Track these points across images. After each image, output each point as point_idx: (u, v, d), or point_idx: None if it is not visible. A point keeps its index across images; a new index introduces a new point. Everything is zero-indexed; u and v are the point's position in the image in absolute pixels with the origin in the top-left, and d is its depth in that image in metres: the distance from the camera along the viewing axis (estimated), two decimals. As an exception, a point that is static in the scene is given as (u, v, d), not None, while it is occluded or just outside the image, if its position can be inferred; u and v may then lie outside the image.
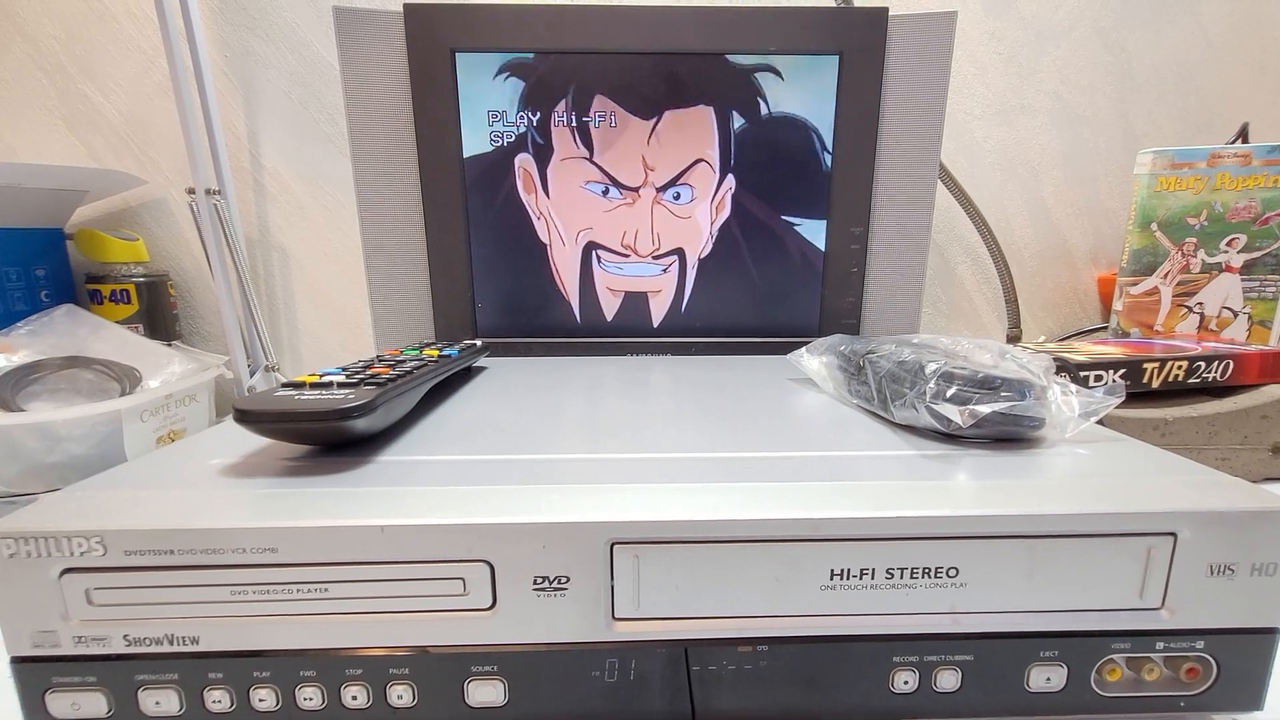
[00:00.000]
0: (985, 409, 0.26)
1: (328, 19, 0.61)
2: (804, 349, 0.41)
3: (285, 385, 0.27)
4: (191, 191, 0.59)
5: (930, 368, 0.28)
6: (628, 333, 0.55)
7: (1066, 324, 0.75)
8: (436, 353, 0.38)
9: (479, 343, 0.45)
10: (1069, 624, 0.22)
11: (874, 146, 0.51)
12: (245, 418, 0.24)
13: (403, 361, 0.33)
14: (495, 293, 0.54)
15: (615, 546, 0.21)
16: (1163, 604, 0.22)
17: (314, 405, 0.24)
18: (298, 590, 0.21)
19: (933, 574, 0.21)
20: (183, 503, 0.22)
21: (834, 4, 0.53)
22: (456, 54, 0.49)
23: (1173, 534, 0.21)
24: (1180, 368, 0.47)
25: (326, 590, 0.21)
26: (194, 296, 0.67)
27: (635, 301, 0.54)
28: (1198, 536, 0.21)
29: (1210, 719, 0.24)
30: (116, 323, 0.59)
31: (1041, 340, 0.70)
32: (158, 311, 0.62)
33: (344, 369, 0.31)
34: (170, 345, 0.58)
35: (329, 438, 0.25)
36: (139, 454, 0.49)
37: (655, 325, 0.55)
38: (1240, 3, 0.67)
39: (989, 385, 0.27)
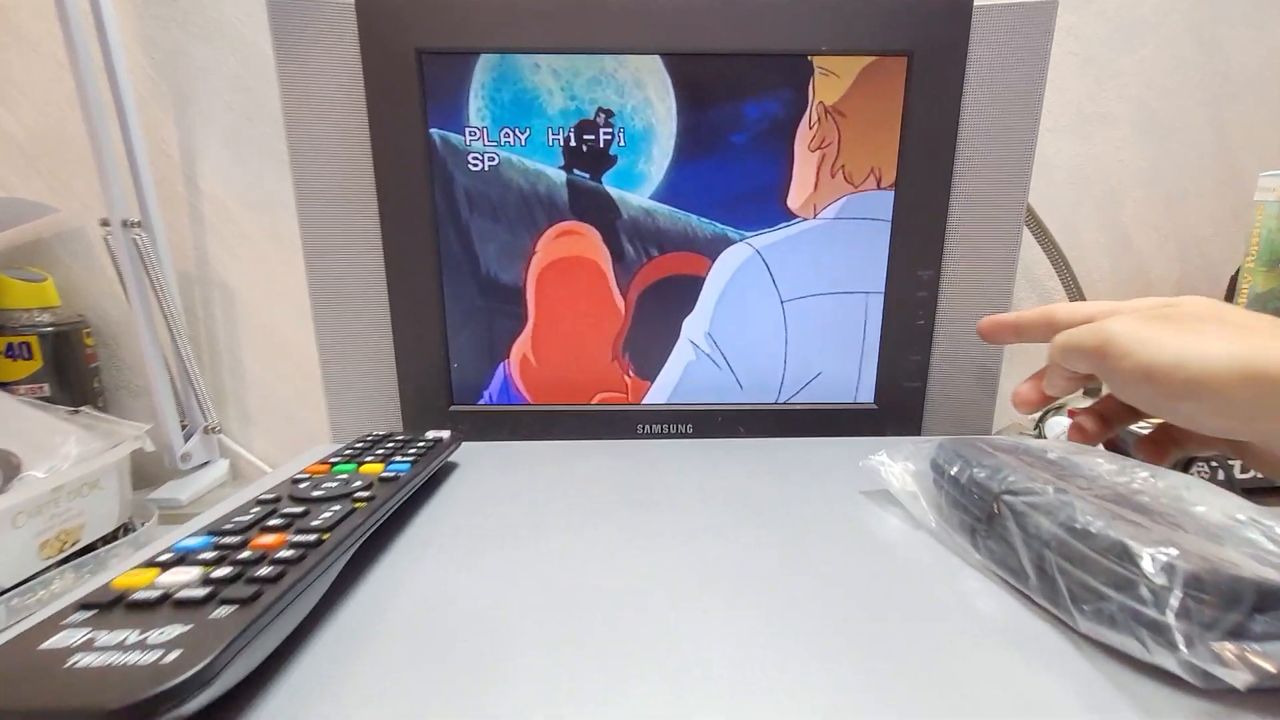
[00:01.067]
0: (1271, 665, 0.15)
1: (274, 13, 0.51)
2: (883, 453, 0.30)
3: (80, 606, 0.16)
4: (106, 223, 0.48)
5: (1154, 559, 0.17)
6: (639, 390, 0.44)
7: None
8: (380, 469, 0.27)
9: (446, 435, 0.34)
10: None
11: (950, 169, 0.41)
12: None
13: (320, 504, 0.23)
14: (474, 349, 0.43)
15: None
16: None
17: (91, 690, 0.13)
18: None
19: None
20: None
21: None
22: (424, 55, 0.39)
23: None
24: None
25: None
26: (119, 345, 0.56)
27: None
28: None
29: None
30: (16, 383, 0.49)
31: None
32: (68, 367, 0.51)
33: (214, 537, 0.20)
34: (76, 412, 0.47)
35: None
36: (17, 567, 0.38)
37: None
38: (1363, -7, 0.56)
39: (1270, 604, 0.16)
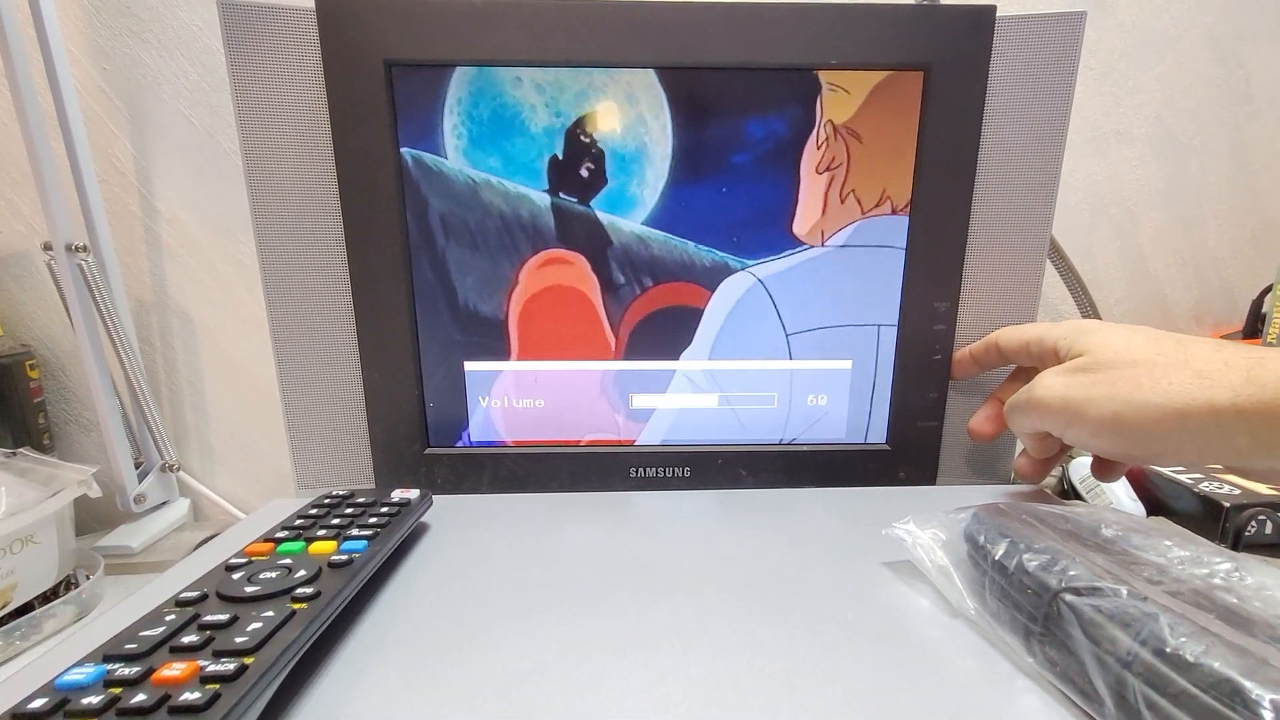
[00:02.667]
0: None
1: (237, 21, 0.47)
2: (911, 522, 0.26)
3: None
4: (48, 248, 0.44)
5: (1275, 705, 0.14)
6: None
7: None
8: (332, 549, 0.23)
9: (414, 496, 0.30)
10: None
11: (969, 194, 0.37)
12: None
13: (251, 606, 0.19)
14: (452, 387, 0.39)
15: None
16: None
17: None
18: None
19: None
20: None
21: (915, 1, 0.39)
22: (393, 68, 0.35)
23: None
24: None
25: None
26: (68, 377, 0.52)
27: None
28: None
29: None
30: (-51, 421, 0.44)
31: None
32: (9, 402, 0.47)
33: (108, 667, 0.16)
34: (14, 455, 0.43)
35: None
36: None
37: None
38: (1390, 6, 0.54)
39: None
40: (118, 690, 0.15)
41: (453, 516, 0.34)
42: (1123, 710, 0.17)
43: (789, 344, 0.40)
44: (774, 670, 0.20)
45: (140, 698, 0.15)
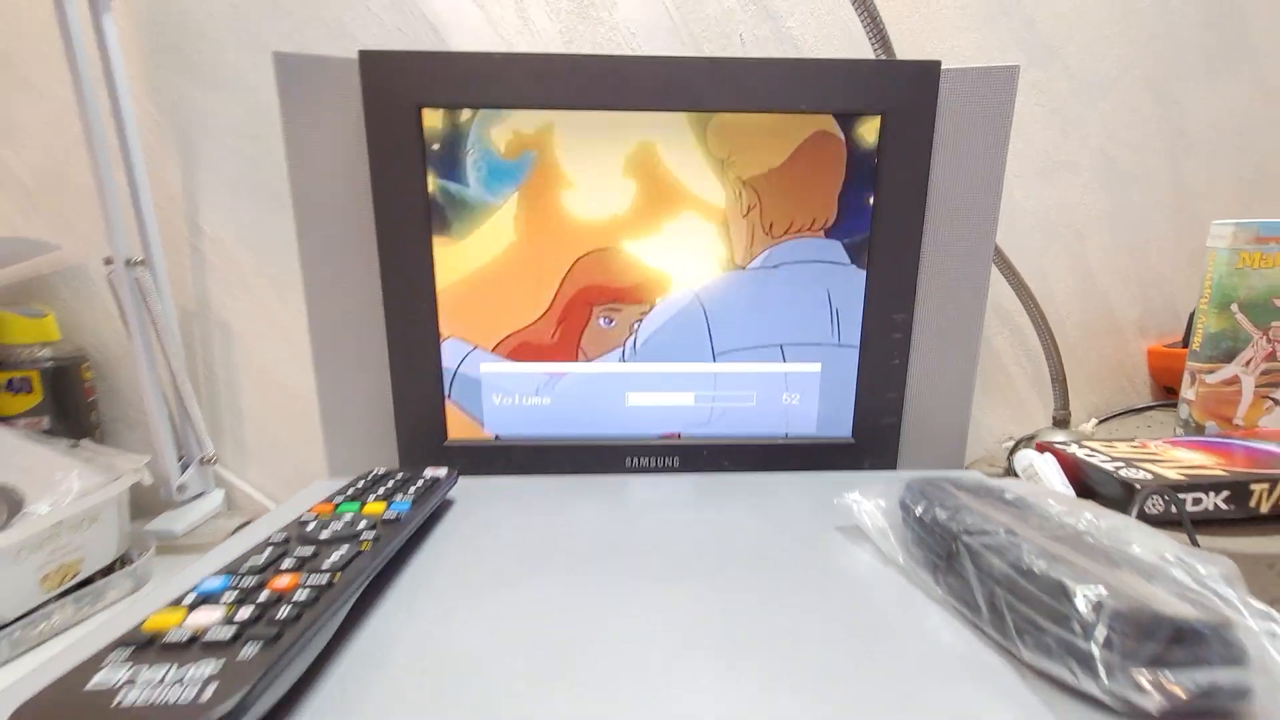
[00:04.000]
0: (1181, 691, 0.17)
1: (279, 62, 0.53)
2: (857, 493, 0.32)
3: (118, 645, 0.17)
4: (109, 261, 0.50)
5: (1085, 597, 0.19)
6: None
7: (1112, 400, 0.67)
8: (382, 508, 0.29)
9: (443, 473, 0.35)
10: None
11: (921, 220, 0.43)
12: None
13: (328, 546, 0.24)
14: (469, 386, 0.45)
15: None
16: None
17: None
18: None
19: None
20: None
21: (874, 56, 0.45)
22: (423, 110, 0.41)
23: None
24: (1298, 491, 0.39)
25: None
26: (118, 378, 0.57)
27: (636, 399, 0.46)
28: None
29: None
30: (16, 417, 0.50)
31: (1093, 423, 0.62)
32: (68, 401, 0.52)
33: (233, 578, 0.21)
34: (76, 445, 0.48)
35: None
36: (19, 600, 0.39)
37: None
38: (1305, 53, 0.60)
39: (1184, 638, 0.18)
40: (244, 593, 0.20)
41: (474, 494, 0.39)
42: (994, 614, 0.22)
43: (783, 352, 0.45)
44: (737, 602, 0.26)
45: (263, 596, 0.20)
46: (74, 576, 0.42)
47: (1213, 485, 0.39)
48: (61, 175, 0.54)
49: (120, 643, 0.17)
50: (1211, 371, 0.51)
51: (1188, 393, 0.53)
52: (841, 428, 0.46)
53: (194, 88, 0.53)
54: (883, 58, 0.46)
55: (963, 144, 0.43)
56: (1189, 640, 0.18)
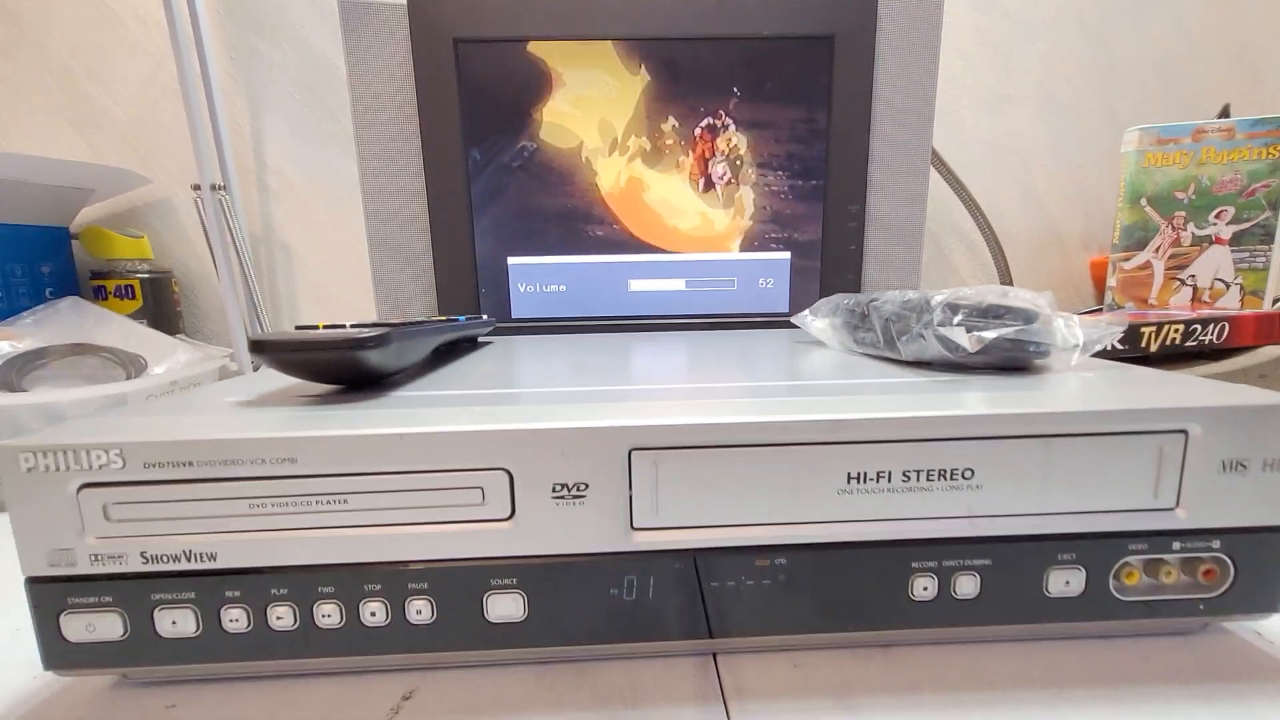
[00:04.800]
0: (992, 334, 0.27)
1: (331, 20, 0.63)
2: (807, 311, 0.41)
3: (299, 327, 0.27)
4: (197, 187, 0.60)
5: (936, 299, 0.28)
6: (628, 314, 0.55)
7: (1061, 308, 0.76)
8: (444, 319, 0.38)
9: (484, 316, 0.45)
10: (1086, 525, 0.22)
11: (868, 126, 0.52)
12: (260, 348, 0.24)
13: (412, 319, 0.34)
14: (497, 276, 0.54)
15: (634, 453, 0.21)
16: (1177, 503, 0.22)
17: (328, 337, 0.24)
18: (316, 503, 0.21)
19: (948, 476, 0.22)
20: (201, 423, 0.22)
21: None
22: (459, 44, 0.51)
23: (1184, 431, 0.21)
24: (1177, 331, 0.48)
25: (345, 502, 0.21)
26: (197, 296, 0.67)
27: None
28: (1208, 433, 0.21)
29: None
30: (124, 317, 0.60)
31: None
32: (162, 308, 0.62)
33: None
34: (176, 337, 0.58)
35: (343, 369, 0.26)
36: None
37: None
38: (1215, -7, 0.69)
39: (995, 314, 0.27)
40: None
41: (506, 339, 0.48)
42: (886, 338, 0.31)
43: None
44: (716, 363, 0.35)
45: (380, 321, 0.30)
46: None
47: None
48: (152, 120, 0.64)
49: (297, 327, 0.27)
50: (1127, 259, 0.60)
51: (1111, 281, 0.61)
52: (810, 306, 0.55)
53: (260, 42, 0.63)
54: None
55: (900, 60, 0.52)
56: (999, 314, 0.27)
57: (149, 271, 0.61)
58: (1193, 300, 0.58)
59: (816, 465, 0.21)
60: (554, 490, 0.21)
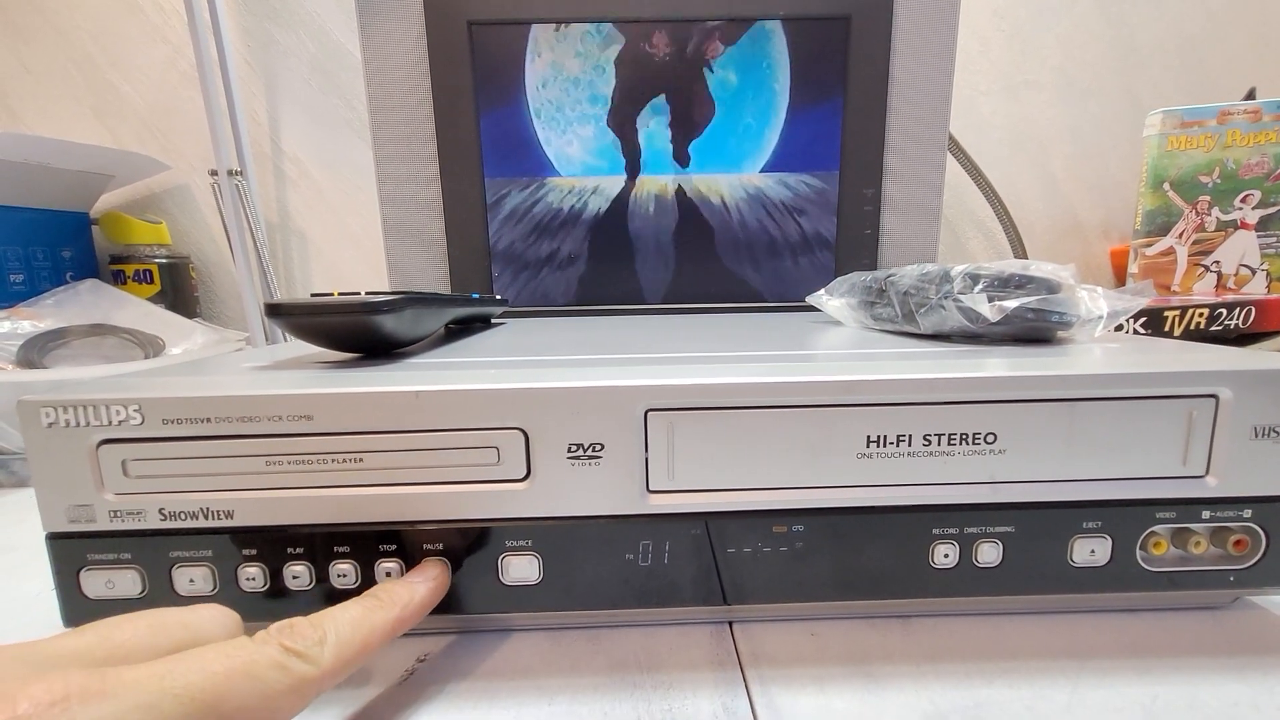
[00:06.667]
0: (1014, 303, 0.26)
1: (346, 6, 0.63)
2: (823, 290, 0.41)
3: (314, 294, 0.27)
4: (215, 173, 0.60)
5: (957, 269, 0.28)
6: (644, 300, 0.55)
7: (1081, 300, 0.75)
8: (464, 295, 0.38)
9: (497, 295, 0.45)
10: (1112, 493, 0.22)
11: (884, 107, 0.52)
12: (276, 310, 0.24)
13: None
14: (511, 263, 0.54)
15: (650, 414, 0.21)
16: (1207, 471, 0.22)
17: (344, 301, 0.24)
18: (332, 461, 0.21)
19: (970, 440, 0.21)
20: (219, 382, 0.22)
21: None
22: (473, 26, 0.51)
23: (1214, 395, 0.21)
24: (1202, 315, 0.47)
25: (361, 461, 0.21)
26: (214, 281, 0.68)
27: (651, 267, 0.55)
28: (1239, 398, 0.21)
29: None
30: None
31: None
32: (180, 292, 0.63)
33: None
34: (193, 320, 0.59)
35: (358, 334, 0.26)
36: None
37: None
38: (1241, -25, 0.68)
39: (1017, 283, 0.27)
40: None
41: (520, 320, 0.48)
42: (904, 311, 0.31)
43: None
44: (732, 338, 0.34)
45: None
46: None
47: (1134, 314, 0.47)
48: (170, 107, 0.64)
49: (312, 294, 0.27)
50: (1150, 245, 0.59)
51: (1132, 267, 0.60)
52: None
53: (276, 29, 0.63)
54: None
55: (917, 41, 0.51)
56: (1021, 284, 0.26)
57: (167, 257, 0.62)
58: (1217, 286, 0.57)
59: (835, 428, 0.21)
60: (569, 450, 0.21)
